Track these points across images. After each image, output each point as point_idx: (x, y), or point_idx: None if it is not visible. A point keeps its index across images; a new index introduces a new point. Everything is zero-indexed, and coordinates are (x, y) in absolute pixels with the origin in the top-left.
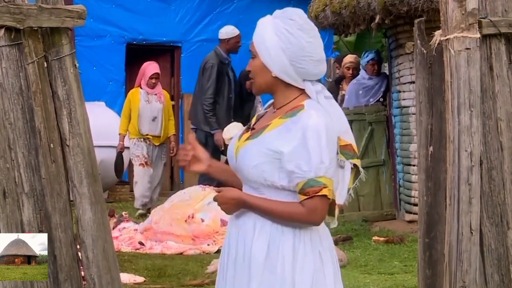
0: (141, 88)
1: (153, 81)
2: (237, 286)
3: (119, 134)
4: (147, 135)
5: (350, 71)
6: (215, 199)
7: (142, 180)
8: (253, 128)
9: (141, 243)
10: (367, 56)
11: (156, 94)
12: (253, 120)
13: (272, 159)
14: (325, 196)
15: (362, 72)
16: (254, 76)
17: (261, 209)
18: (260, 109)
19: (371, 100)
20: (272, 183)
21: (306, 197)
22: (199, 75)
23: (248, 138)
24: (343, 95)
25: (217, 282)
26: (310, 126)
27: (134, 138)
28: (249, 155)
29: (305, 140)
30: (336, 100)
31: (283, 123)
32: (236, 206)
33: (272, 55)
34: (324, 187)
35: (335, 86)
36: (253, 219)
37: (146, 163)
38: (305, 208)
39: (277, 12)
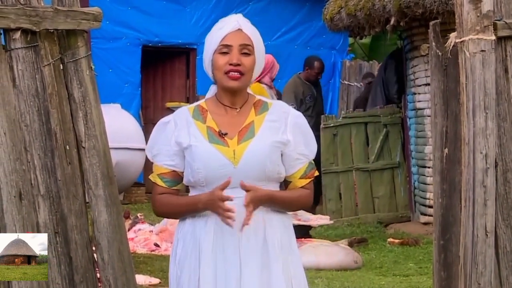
0: (261, 83)
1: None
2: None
3: None
4: None
5: None
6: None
7: None
8: (225, 133)
9: (156, 245)
10: None
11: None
12: (213, 126)
13: (279, 151)
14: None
15: None
16: (246, 72)
17: (284, 200)
18: None
19: None
20: (279, 175)
21: (309, 180)
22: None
23: (241, 140)
24: None
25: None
26: (297, 114)
27: None
28: (261, 153)
29: (299, 126)
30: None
31: (264, 117)
32: (265, 202)
33: (261, 61)
34: (315, 168)
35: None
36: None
37: None
38: (309, 191)
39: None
